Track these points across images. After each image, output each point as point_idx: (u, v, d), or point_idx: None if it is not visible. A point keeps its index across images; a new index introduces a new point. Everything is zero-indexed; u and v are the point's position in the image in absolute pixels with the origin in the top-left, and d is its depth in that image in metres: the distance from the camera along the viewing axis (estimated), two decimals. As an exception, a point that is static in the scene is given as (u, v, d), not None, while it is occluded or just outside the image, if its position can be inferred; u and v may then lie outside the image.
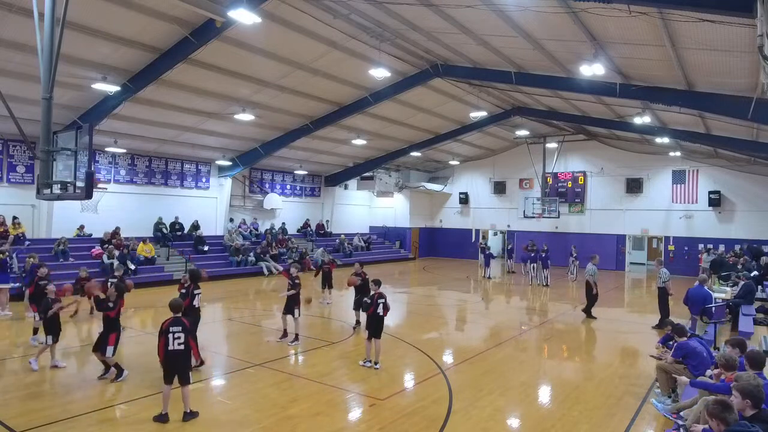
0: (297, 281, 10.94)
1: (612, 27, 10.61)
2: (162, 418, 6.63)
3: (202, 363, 8.89)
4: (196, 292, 9.09)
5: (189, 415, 6.72)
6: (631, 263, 28.81)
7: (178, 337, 6.69)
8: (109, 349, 8.23)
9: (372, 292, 9.58)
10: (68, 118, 15.83)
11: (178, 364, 6.73)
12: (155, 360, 8.88)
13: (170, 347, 6.65)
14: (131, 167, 21.30)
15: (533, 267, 22.15)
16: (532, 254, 22.55)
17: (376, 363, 9.23)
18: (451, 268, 28.27)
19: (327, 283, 15.97)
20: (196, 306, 9.09)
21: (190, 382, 6.97)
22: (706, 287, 11.93)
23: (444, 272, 26.42)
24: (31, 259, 13.97)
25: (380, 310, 9.22)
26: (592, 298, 14.51)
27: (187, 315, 8.79)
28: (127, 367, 8.59)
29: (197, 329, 9.16)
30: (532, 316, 15.52)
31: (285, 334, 11.05)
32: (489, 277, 23.77)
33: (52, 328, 8.94)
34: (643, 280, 25.48)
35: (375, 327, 9.25)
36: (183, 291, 9.03)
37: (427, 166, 33.35)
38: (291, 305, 10.83)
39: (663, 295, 13.25)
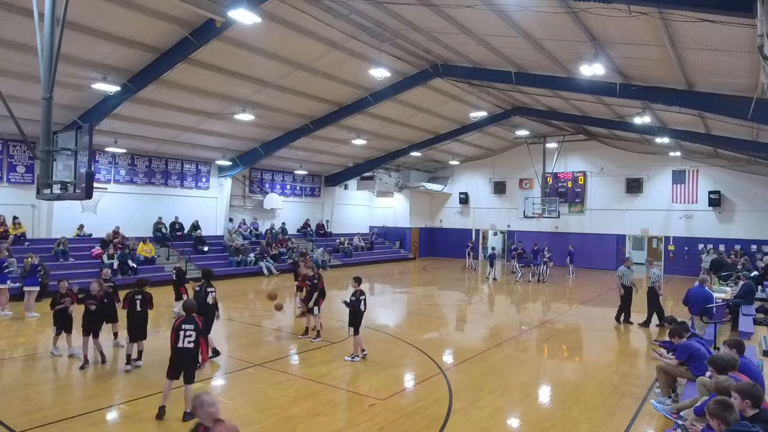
0: (315, 280, 11.26)
1: (612, 27, 10.61)
2: (160, 411, 6.72)
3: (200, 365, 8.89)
4: (209, 290, 9.33)
5: (189, 416, 6.69)
6: (631, 263, 28.76)
7: (189, 335, 6.82)
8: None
9: (354, 290, 9.93)
10: (68, 118, 15.82)
11: (185, 362, 6.83)
12: (154, 360, 8.92)
13: (180, 344, 6.78)
14: (131, 167, 21.29)
15: (518, 266, 23.43)
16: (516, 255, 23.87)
17: (357, 355, 9.70)
18: (451, 268, 28.24)
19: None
20: (210, 303, 9.29)
21: (194, 381, 7.02)
22: (706, 287, 11.91)
23: (444, 272, 26.40)
24: (30, 260, 13.95)
25: (362, 307, 9.70)
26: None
27: (201, 312, 8.89)
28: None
29: (212, 326, 9.33)
30: (525, 315, 15.51)
31: (306, 331, 11.54)
32: (495, 279, 23.30)
33: (61, 321, 9.44)
34: (643, 280, 25.37)
35: (357, 322, 9.64)
36: (197, 289, 9.16)
37: (427, 166, 33.34)
38: (314, 303, 11.18)
39: (652, 294, 13.43)
